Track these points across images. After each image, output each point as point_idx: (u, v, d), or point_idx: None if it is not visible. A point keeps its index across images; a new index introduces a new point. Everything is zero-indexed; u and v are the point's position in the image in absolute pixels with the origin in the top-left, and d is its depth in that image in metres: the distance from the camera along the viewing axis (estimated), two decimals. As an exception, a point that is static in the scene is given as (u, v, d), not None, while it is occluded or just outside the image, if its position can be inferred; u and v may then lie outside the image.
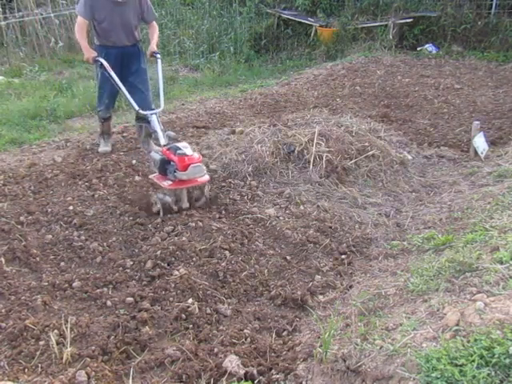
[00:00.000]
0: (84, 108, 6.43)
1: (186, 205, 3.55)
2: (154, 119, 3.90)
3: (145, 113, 3.99)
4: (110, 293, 2.80)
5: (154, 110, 4.11)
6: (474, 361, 1.66)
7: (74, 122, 6.07)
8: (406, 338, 1.93)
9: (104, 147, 4.83)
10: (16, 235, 3.28)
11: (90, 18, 4.35)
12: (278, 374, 2.19)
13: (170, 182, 3.48)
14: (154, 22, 4.63)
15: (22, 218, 3.49)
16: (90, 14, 4.30)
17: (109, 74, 4.12)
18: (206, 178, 3.56)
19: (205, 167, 3.54)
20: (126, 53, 4.50)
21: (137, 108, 4.02)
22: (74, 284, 2.86)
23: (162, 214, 3.51)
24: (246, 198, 3.88)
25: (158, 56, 4.41)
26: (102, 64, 4.18)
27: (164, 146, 3.66)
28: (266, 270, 3.04)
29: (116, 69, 4.25)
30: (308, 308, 2.70)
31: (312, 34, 10.17)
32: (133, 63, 4.55)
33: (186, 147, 3.44)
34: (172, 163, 3.48)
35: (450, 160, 4.82)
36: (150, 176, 3.74)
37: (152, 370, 2.28)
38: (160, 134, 3.78)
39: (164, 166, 3.54)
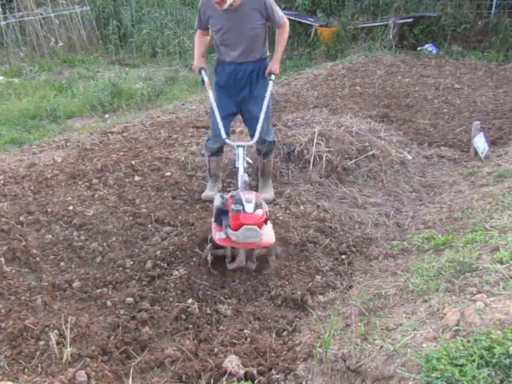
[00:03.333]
0: (84, 108, 6.44)
1: (241, 264, 2.98)
2: (240, 153, 3.21)
3: (232, 143, 3.35)
4: (109, 293, 2.80)
5: (244, 142, 3.36)
6: (474, 361, 1.66)
7: (73, 121, 6.07)
8: (406, 338, 1.93)
9: (209, 191, 3.89)
10: (16, 235, 3.27)
11: (204, 28, 3.62)
12: (278, 374, 2.19)
13: (223, 236, 2.86)
14: (283, 26, 3.62)
15: (21, 218, 3.49)
16: (202, 23, 3.60)
17: (208, 92, 3.54)
18: (266, 241, 2.86)
19: (266, 230, 2.86)
20: (244, 71, 3.58)
21: (224, 136, 3.41)
22: (74, 284, 2.86)
23: (210, 267, 3.02)
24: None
25: (272, 78, 3.53)
26: (215, 80, 3.68)
27: (231, 192, 3.09)
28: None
29: (229, 89, 3.62)
30: (308, 308, 2.70)
31: (312, 34, 10.16)
32: (252, 84, 3.60)
33: (249, 201, 2.78)
34: (228, 215, 2.88)
35: (450, 160, 4.83)
36: (212, 219, 3.11)
37: (152, 370, 2.28)
38: (240, 174, 3.12)
39: (220, 216, 2.95)
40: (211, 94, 3.51)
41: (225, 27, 3.46)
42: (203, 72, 3.60)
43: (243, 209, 2.74)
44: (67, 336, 2.36)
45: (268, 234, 2.88)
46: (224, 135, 3.41)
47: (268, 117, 3.67)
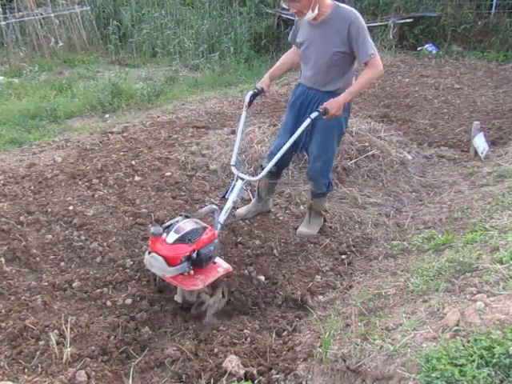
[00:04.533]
0: (84, 108, 6.43)
1: (177, 298, 2.63)
2: (237, 185, 2.86)
3: (235, 171, 2.93)
4: (109, 293, 2.80)
5: (248, 177, 2.95)
6: (474, 361, 1.66)
7: (73, 121, 6.07)
8: (406, 338, 1.93)
9: (242, 210, 3.57)
10: (16, 235, 3.27)
11: (293, 41, 3.22)
12: (277, 374, 2.19)
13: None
14: (370, 66, 2.90)
15: (22, 218, 3.49)
16: (294, 35, 3.18)
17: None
18: (183, 283, 2.45)
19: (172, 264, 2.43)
20: (311, 98, 3.12)
21: (232, 162, 3.01)
22: (74, 284, 2.85)
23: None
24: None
25: (312, 116, 2.90)
26: (289, 98, 3.31)
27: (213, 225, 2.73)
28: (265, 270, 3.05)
29: (294, 113, 3.20)
30: (308, 308, 2.71)
31: (312, 34, 10.16)
32: (317, 117, 2.94)
33: (176, 231, 2.46)
34: None
35: (450, 160, 4.83)
36: None
37: (152, 370, 2.28)
38: (225, 207, 2.78)
39: None
40: (243, 116, 3.10)
41: (307, 40, 3.03)
42: (251, 91, 3.12)
43: (162, 235, 2.46)
44: (67, 336, 2.36)
45: (192, 280, 2.44)
46: (233, 161, 3.01)
47: (327, 158, 3.18)
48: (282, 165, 3.30)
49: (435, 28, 9.64)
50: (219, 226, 2.69)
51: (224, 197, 2.89)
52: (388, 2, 9.94)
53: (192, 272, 2.48)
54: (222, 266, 2.60)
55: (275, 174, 3.39)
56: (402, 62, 8.71)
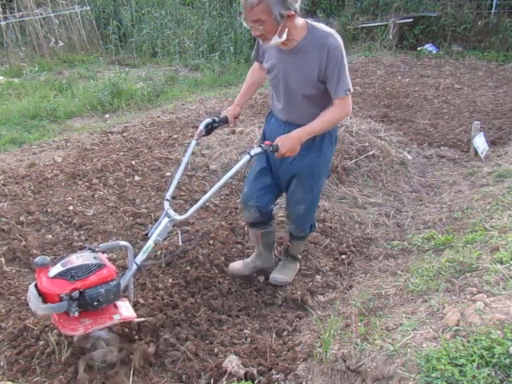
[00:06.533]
0: (84, 108, 6.43)
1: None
2: (162, 223, 2.38)
3: (166, 207, 2.42)
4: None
5: (175, 215, 2.39)
6: (474, 361, 1.66)
7: (73, 121, 6.07)
8: (406, 338, 1.93)
9: (237, 265, 3.00)
10: (16, 235, 3.27)
11: (257, 59, 2.69)
12: (278, 374, 2.19)
13: None
14: (339, 103, 2.35)
15: (22, 218, 3.49)
16: (259, 55, 2.64)
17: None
18: (61, 326, 2.06)
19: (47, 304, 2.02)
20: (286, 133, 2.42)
21: (167, 196, 2.48)
22: (74, 284, 2.85)
23: None
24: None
25: (252, 152, 2.36)
26: (263, 128, 2.83)
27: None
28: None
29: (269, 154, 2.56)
30: (308, 308, 2.70)
31: (312, 34, 10.16)
32: (295, 158, 2.48)
33: (63, 265, 2.08)
34: None
35: (450, 160, 4.83)
36: None
37: (152, 370, 2.28)
38: (145, 247, 2.35)
39: None
40: (191, 145, 2.64)
41: (276, 68, 2.47)
42: (208, 119, 2.69)
43: (48, 266, 2.10)
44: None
45: (74, 323, 2.05)
46: (168, 194, 2.48)
47: (313, 199, 2.70)
48: (263, 208, 2.68)
49: (435, 28, 9.64)
50: (134, 266, 2.29)
51: (147, 234, 2.46)
52: (388, 2, 9.94)
53: (76, 314, 2.04)
54: (121, 313, 2.16)
55: (260, 221, 2.76)
56: (402, 62, 8.71)
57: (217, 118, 2.71)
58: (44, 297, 2.02)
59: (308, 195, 2.66)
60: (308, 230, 2.88)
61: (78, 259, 2.11)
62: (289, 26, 2.26)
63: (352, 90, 2.33)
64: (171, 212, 2.38)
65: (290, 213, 2.80)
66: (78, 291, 2.03)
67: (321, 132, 2.40)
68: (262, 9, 2.15)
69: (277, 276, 2.93)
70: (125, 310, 2.20)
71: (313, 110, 2.41)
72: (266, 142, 2.36)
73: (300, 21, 2.33)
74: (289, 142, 2.32)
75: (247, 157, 2.35)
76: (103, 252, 2.23)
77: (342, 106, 2.35)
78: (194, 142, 2.67)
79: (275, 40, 2.26)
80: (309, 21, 2.37)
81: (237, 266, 2.98)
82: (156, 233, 2.35)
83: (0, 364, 2.26)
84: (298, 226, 2.83)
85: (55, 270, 2.06)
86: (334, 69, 2.29)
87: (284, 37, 2.27)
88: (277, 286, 2.91)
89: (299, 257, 3.07)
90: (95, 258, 2.15)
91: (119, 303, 2.20)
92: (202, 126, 2.68)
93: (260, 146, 2.35)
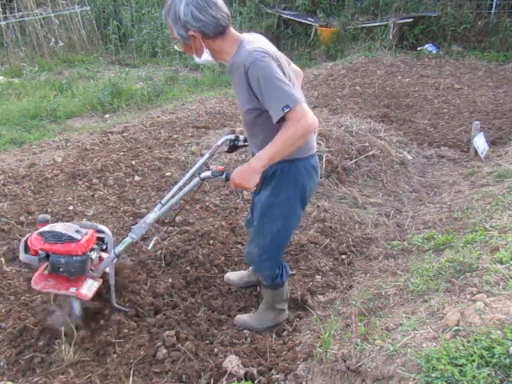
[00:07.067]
0: (84, 108, 6.43)
1: None
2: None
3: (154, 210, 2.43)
4: (109, 293, 2.80)
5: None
6: (474, 361, 1.66)
7: (73, 121, 6.07)
8: (406, 338, 1.93)
9: (232, 275, 2.94)
10: (16, 235, 3.28)
11: None
12: (277, 374, 2.19)
13: None
14: (287, 122, 1.92)
15: (21, 218, 3.49)
16: None
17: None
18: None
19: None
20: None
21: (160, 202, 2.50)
22: (74, 284, 2.85)
23: None
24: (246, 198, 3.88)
25: (202, 175, 2.21)
26: None
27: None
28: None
29: None
30: (308, 308, 2.70)
31: (312, 34, 10.17)
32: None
33: (57, 223, 2.37)
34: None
35: (450, 160, 4.83)
36: None
37: (152, 370, 2.28)
38: (125, 241, 2.33)
39: None
40: (204, 158, 2.58)
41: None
42: (231, 136, 2.57)
43: (46, 224, 2.33)
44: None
45: (41, 278, 2.29)
46: (165, 199, 2.49)
47: (265, 244, 2.31)
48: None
49: (435, 28, 9.64)
50: (113, 255, 2.31)
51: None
52: (388, 2, 9.94)
53: (46, 272, 2.28)
54: (79, 288, 2.26)
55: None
56: (402, 62, 8.72)
57: (241, 137, 2.55)
58: (26, 247, 2.29)
59: (260, 238, 2.31)
60: (269, 281, 2.43)
61: (61, 227, 2.31)
62: (209, 46, 2.07)
63: (296, 101, 1.88)
64: (153, 214, 2.38)
65: (246, 255, 2.53)
66: (44, 252, 2.25)
67: (284, 155, 1.99)
68: (169, 28, 2.09)
69: (239, 316, 2.62)
70: (86, 288, 2.30)
71: (263, 139, 2.09)
72: (219, 168, 2.18)
73: (233, 37, 2.08)
74: (242, 172, 2.00)
75: (197, 179, 2.22)
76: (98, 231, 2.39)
77: (294, 119, 1.90)
78: (206, 155, 2.60)
79: (196, 59, 2.14)
80: (245, 37, 2.10)
81: (232, 277, 2.90)
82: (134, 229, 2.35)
83: (0, 364, 2.26)
84: (257, 270, 2.54)
85: (43, 228, 2.29)
86: (258, 89, 1.94)
87: (205, 57, 2.10)
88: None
89: (278, 307, 2.55)
90: (77, 231, 2.28)
91: (89, 281, 2.32)
92: (220, 142, 2.60)
93: (210, 171, 2.16)
